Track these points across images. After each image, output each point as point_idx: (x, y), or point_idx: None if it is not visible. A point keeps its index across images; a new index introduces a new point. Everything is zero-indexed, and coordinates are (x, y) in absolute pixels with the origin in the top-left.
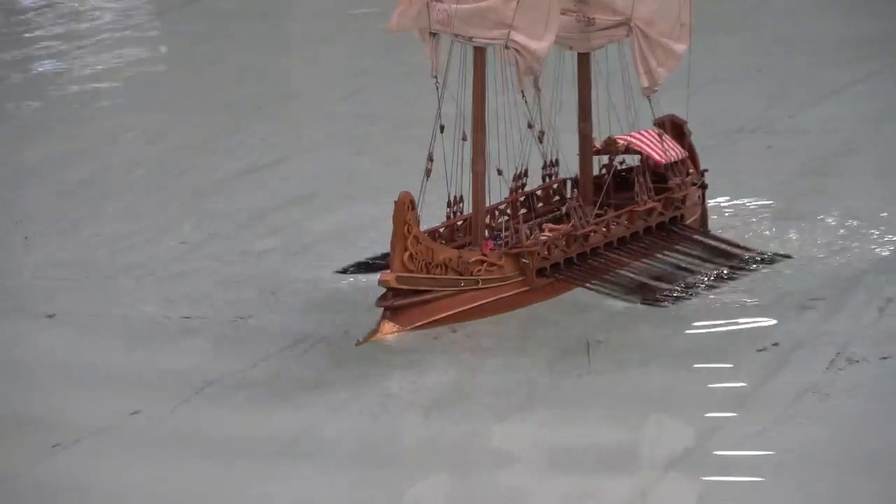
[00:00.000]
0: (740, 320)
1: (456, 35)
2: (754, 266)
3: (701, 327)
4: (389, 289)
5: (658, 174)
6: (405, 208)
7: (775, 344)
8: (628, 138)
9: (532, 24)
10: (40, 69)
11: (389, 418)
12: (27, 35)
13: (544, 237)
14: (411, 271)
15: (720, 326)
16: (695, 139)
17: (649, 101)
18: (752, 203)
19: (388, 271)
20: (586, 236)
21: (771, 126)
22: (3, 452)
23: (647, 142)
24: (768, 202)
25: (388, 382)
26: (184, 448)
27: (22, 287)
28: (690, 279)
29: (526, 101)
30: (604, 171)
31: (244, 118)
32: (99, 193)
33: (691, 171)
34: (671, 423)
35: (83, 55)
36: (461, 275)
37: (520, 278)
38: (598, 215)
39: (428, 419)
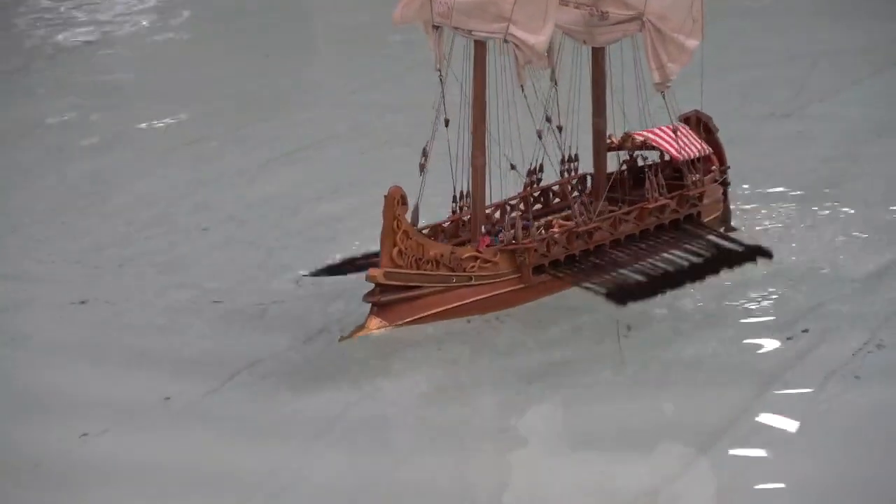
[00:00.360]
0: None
1: (456, 28)
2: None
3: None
4: (377, 284)
5: (680, 171)
6: (394, 203)
7: (805, 330)
8: (646, 134)
9: (530, 18)
10: (69, 56)
11: (424, 402)
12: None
13: (541, 234)
14: (400, 267)
15: (751, 317)
16: (726, 124)
17: (663, 97)
18: (777, 189)
19: (377, 267)
20: (590, 233)
21: (802, 111)
22: (34, 437)
23: (665, 138)
24: (797, 191)
25: (423, 368)
26: (216, 431)
27: (55, 272)
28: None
29: (525, 96)
30: (624, 167)
31: (274, 108)
32: (130, 180)
33: (713, 168)
34: (700, 404)
35: (113, 39)
36: (453, 271)
37: (515, 275)
38: (610, 212)
39: (467, 404)
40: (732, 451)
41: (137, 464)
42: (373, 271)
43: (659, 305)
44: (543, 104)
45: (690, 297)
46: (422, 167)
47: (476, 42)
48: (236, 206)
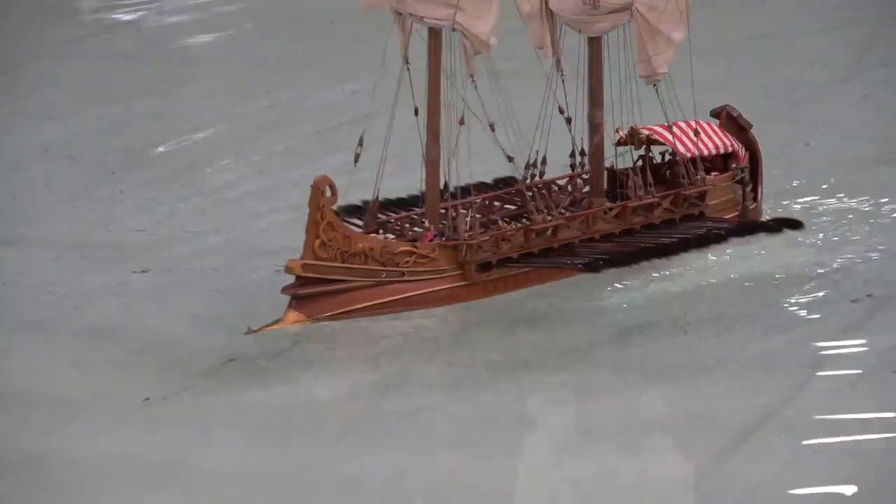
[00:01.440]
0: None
1: (410, 14)
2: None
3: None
4: (297, 277)
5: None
6: (319, 193)
7: (869, 295)
8: (656, 129)
9: (477, 6)
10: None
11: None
12: None
13: (484, 231)
14: (323, 259)
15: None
16: (786, 92)
17: (656, 90)
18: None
19: (296, 258)
20: (555, 231)
21: (864, 76)
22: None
23: (677, 134)
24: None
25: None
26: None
27: (117, 241)
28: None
29: (476, 86)
30: (640, 162)
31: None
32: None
33: (735, 165)
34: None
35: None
36: (384, 265)
37: (458, 272)
38: (610, 209)
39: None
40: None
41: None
42: (291, 262)
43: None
44: (554, 95)
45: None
46: (356, 157)
47: (430, 30)
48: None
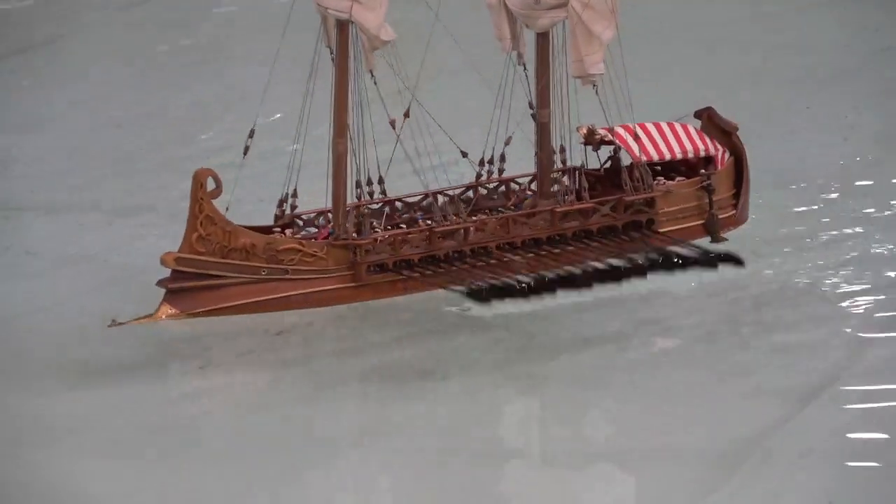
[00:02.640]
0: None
1: (318, 4)
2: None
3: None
4: (172, 270)
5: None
6: (198, 185)
7: None
8: (619, 130)
9: None
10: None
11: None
12: None
13: (381, 232)
14: (200, 253)
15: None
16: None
17: (595, 91)
18: None
19: (171, 251)
20: (465, 234)
21: None
22: None
23: (639, 135)
24: None
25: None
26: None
27: None
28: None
29: (375, 82)
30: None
31: None
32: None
33: (703, 171)
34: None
35: None
36: (267, 262)
37: (348, 272)
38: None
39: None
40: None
41: None
42: (164, 255)
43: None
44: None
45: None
46: (245, 150)
47: (338, 22)
48: None
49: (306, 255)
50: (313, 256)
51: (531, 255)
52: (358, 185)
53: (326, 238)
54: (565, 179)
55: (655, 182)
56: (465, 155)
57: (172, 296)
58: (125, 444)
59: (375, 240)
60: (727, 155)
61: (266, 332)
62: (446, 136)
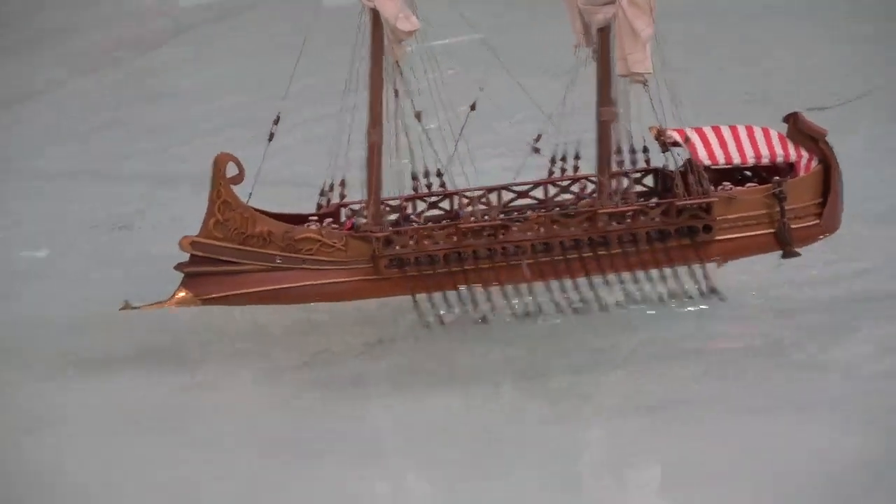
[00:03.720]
0: None
1: None
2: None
3: None
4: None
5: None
6: (218, 170)
7: None
8: (689, 132)
9: None
10: None
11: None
12: None
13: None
14: (217, 239)
15: None
16: None
17: (645, 89)
18: None
19: (189, 235)
20: (495, 232)
21: None
22: None
23: (711, 139)
24: None
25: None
26: None
27: None
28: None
29: (402, 73)
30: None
31: None
32: None
33: (778, 179)
34: None
35: None
36: (283, 251)
37: (367, 265)
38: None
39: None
40: None
41: None
42: (183, 239)
43: None
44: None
45: None
46: (270, 136)
47: (371, 10)
48: None
49: (325, 246)
50: (332, 247)
51: (566, 257)
52: (414, 177)
53: (350, 230)
54: (624, 181)
55: (721, 187)
56: (537, 151)
57: (189, 280)
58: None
59: (396, 233)
60: (813, 162)
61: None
62: (507, 132)
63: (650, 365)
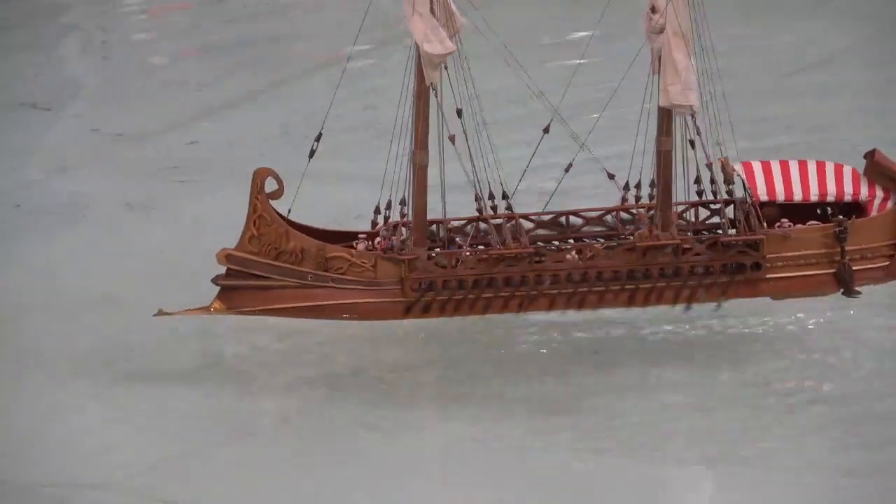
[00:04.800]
0: None
1: None
2: None
3: None
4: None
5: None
6: (256, 185)
7: None
8: (755, 165)
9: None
10: None
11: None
12: None
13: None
14: (252, 253)
15: None
16: None
17: (693, 121)
18: None
19: (227, 248)
20: (530, 259)
21: None
22: None
23: (776, 173)
24: None
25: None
26: None
27: None
28: None
29: (436, 96)
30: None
31: None
32: None
33: (839, 218)
34: None
35: None
36: (315, 269)
37: (396, 287)
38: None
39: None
40: None
41: None
42: (220, 252)
43: None
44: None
45: None
46: (312, 153)
47: None
48: None
49: (355, 266)
50: (361, 267)
51: (602, 289)
52: (477, 198)
53: (384, 249)
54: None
55: (779, 224)
56: (611, 177)
57: (224, 293)
58: None
59: (425, 256)
60: (890, 202)
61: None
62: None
63: None
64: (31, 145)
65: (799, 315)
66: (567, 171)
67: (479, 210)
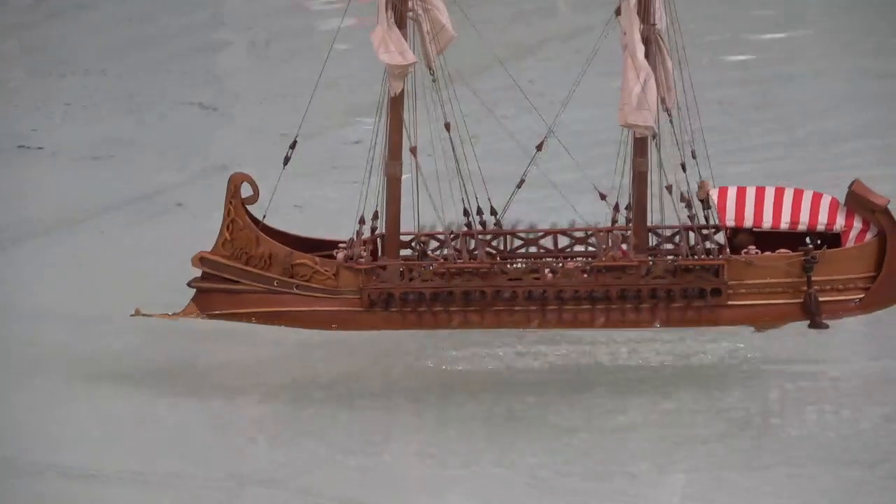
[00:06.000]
0: None
1: None
2: None
3: None
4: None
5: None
6: (231, 189)
7: None
8: (730, 190)
9: None
10: None
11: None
12: None
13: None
14: (224, 256)
15: None
16: None
17: (655, 144)
18: None
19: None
20: (484, 275)
21: None
22: None
23: (749, 199)
24: None
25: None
26: None
27: None
28: None
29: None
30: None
31: None
32: None
33: (807, 248)
34: None
35: None
36: (282, 275)
37: (356, 296)
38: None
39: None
40: None
41: None
42: (195, 255)
43: None
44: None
45: None
46: (286, 160)
47: None
48: None
49: (318, 274)
50: (324, 275)
51: (557, 307)
52: (465, 213)
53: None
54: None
55: (746, 251)
56: (603, 197)
57: (199, 295)
58: None
59: (382, 267)
60: (869, 234)
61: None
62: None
63: None
64: (195, 144)
65: (765, 343)
66: (519, 186)
67: (468, 224)
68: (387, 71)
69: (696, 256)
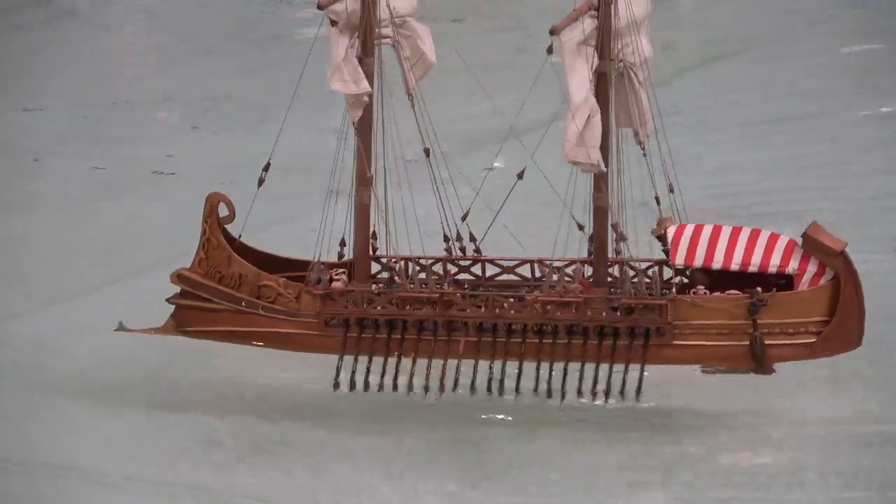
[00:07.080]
0: None
1: None
2: None
3: None
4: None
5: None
6: (208, 209)
7: None
8: (688, 229)
9: None
10: None
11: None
12: None
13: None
14: (200, 274)
15: None
16: None
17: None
18: None
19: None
20: (437, 305)
21: None
22: None
23: (703, 239)
24: None
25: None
26: None
27: None
28: None
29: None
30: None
31: None
32: None
33: (753, 291)
34: None
35: None
36: (249, 295)
37: (315, 320)
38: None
39: None
40: None
41: None
42: (174, 272)
43: None
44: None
45: None
46: (260, 181)
47: None
48: None
49: (282, 296)
50: (286, 298)
51: (505, 339)
52: (446, 239)
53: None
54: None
55: (694, 292)
56: (581, 228)
57: (177, 312)
58: None
59: (339, 292)
60: (822, 278)
61: None
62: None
63: None
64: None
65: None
66: (464, 219)
67: (448, 250)
68: (346, 99)
69: (649, 294)
